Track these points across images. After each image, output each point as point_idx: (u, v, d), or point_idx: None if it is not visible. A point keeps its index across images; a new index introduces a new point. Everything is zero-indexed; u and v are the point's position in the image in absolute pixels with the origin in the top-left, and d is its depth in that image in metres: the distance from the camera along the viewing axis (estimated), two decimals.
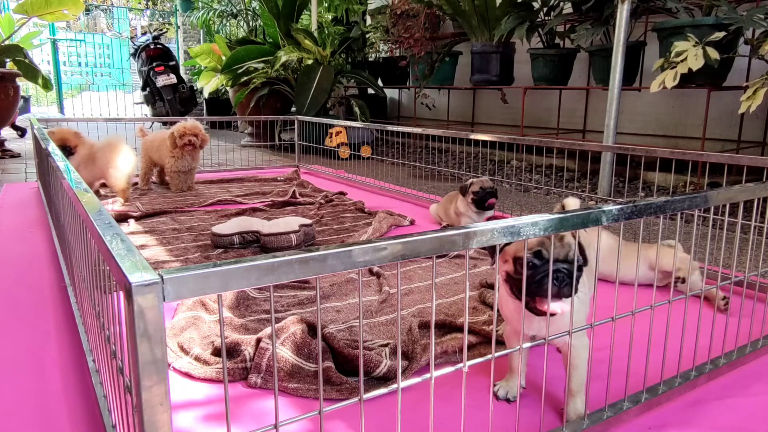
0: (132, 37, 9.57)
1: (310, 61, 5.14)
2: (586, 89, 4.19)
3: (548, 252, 0.92)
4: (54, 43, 8.90)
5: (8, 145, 5.02)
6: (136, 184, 3.46)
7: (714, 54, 2.60)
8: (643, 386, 1.08)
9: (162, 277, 0.54)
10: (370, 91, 5.90)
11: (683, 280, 1.61)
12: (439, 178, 3.94)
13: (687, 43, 2.69)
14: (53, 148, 1.54)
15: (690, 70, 2.62)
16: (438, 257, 2.02)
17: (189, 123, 3.27)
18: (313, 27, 5.55)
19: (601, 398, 1.02)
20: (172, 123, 8.36)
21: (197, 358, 1.25)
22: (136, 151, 4.15)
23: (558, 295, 0.92)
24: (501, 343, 1.36)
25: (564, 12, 3.88)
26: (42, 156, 2.43)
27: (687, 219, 2.54)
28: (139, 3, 10.73)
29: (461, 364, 0.82)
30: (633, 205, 0.90)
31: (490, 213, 2.39)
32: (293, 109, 5.60)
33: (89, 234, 0.86)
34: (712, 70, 2.81)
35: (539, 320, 0.98)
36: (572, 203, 1.29)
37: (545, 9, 3.95)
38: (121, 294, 0.56)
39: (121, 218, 2.53)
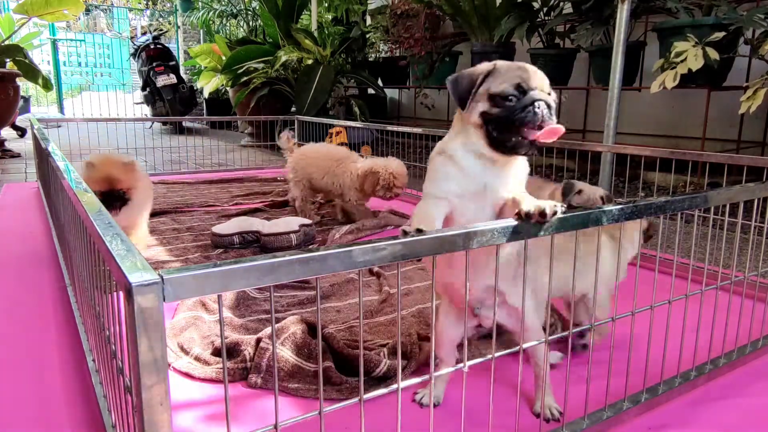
0: (132, 37, 9.56)
1: (310, 61, 5.13)
2: (586, 89, 4.19)
3: (528, 84, 0.90)
4: (54, 43, 8.90)
5: (8, 145, 5.02)
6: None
7: (714, 54, 2.60)
8: (643, 386, 1.07)
9: (162, 277, 0.54)
10: (370, 91, 5.89)
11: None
12: None
13: (687, 43, 2.68)
14: (53, 149, 1.54)
15: (690, 70, 2.62)
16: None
17: (395, 166, 2.44)
18: (313, 27, 5.54)
19: (601, 398, 1.02)
20: (173, 123, 8.23)
21: (197, 358, 1.25)
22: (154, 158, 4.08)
23: (541, 128, 0.89)
24: (500, 342, 1.36)
25: (564, 12, 3.88)
26: (42, 156, 2.43)
27: (687, 219, 2.54)
28: (139, 3, 10.73)
29: (461, 364, 0.82)
30: (633, 205, 0.90)
31: None
32: (293, 109, 5.59)
33: (89, 234, 0.86)
34: (712, 71, 2.81)
35: None
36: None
37: (545, 9, 3.95)
38: (121, 294, 0.56)
39: None
